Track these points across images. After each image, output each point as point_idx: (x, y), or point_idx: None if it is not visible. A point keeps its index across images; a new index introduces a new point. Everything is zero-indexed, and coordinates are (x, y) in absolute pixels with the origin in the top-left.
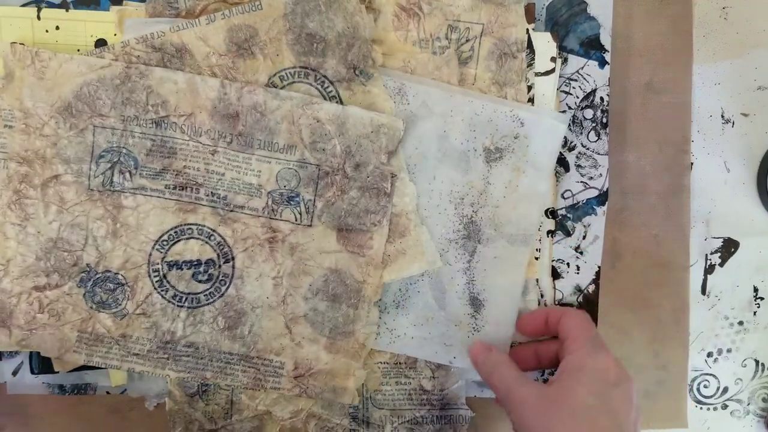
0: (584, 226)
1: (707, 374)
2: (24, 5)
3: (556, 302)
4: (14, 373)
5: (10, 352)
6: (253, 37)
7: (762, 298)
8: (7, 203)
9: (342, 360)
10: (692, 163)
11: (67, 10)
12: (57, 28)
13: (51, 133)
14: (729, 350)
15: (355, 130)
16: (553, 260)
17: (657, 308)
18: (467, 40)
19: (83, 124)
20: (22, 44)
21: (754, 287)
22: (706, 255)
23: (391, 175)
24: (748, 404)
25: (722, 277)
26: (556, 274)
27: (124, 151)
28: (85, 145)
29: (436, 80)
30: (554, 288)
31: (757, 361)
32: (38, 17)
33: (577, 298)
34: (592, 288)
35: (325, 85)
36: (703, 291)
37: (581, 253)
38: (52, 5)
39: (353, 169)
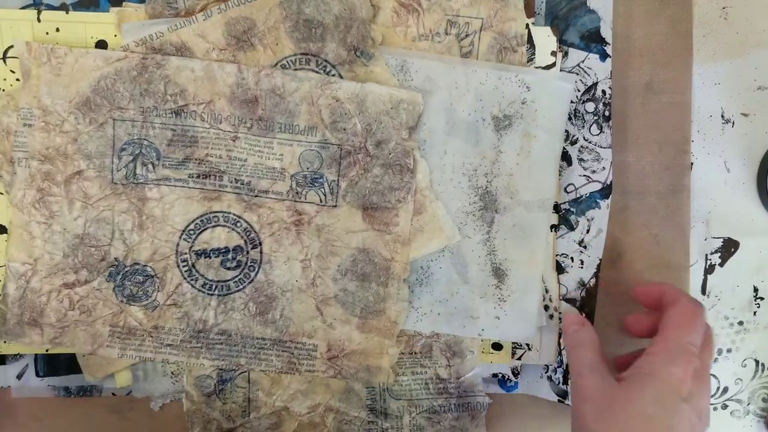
0: (588, 219)
1: None
2: (24, 7)
3: (561, 297)
4: (19, 377)
5: (14, 355)
6: (251, 28)
7: (762, 298)
8: (31, 202)
9: (375, 339)
10: (692, 163)
11: (67, 12)
12: (57, 30)
13: (71, 129)
14: (729, 350)
15: (374, 107)
16: (557, 255)
17: None
18: (467, 35)
19: (103, 118)
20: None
21: (754, 287)
22: (706, 255)
23: (413, 150)
24: (748, 404)
25: (722, 277)
26: (560, 269)
27: (146, 142)
28: (105, 139)
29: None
30: (558, 283)
31: (757, 361)
32: (38, 19)
33: (581, 293)
34: (593, 282)
35: (328, 69)
36: (703, 291)
37: (585, 247)
38: (51, 7)
39: (375, 147)
